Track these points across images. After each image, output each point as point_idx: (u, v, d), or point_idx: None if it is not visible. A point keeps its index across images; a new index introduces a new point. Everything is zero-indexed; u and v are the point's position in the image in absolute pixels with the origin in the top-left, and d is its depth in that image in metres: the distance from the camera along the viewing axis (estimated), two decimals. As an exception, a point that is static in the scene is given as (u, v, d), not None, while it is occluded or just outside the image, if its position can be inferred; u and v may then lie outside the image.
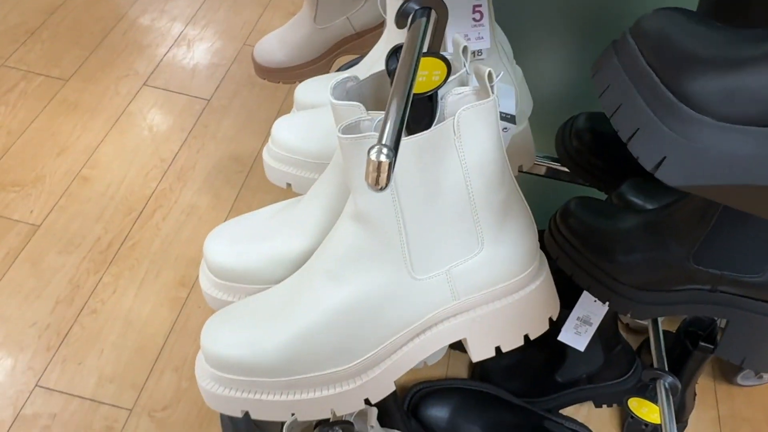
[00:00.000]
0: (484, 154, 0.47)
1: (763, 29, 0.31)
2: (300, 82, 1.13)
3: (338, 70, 1.06)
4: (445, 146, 0.47)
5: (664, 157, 0.30)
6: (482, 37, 0.57)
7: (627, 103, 0.32)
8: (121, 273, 1.15)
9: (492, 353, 0.53)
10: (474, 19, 0.56)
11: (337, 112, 0.50)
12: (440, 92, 0.48)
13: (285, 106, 1.46)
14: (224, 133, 1.41)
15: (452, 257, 0.50)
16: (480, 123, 0.46)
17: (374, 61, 0.71)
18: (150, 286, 1.14)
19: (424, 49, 0.45)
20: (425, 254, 0.49)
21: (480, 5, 0.56)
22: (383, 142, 0.31)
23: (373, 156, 0.31)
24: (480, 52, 0.58)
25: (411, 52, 0.41)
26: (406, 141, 0.46)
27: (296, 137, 0.68)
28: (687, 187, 0.30)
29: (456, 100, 0.48)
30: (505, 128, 0.53)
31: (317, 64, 1.09)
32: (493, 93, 0.46)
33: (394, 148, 0.31)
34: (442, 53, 0.46)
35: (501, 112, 0.53)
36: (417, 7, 0.43)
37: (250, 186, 1.31)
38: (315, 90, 0.77)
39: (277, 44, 1.10)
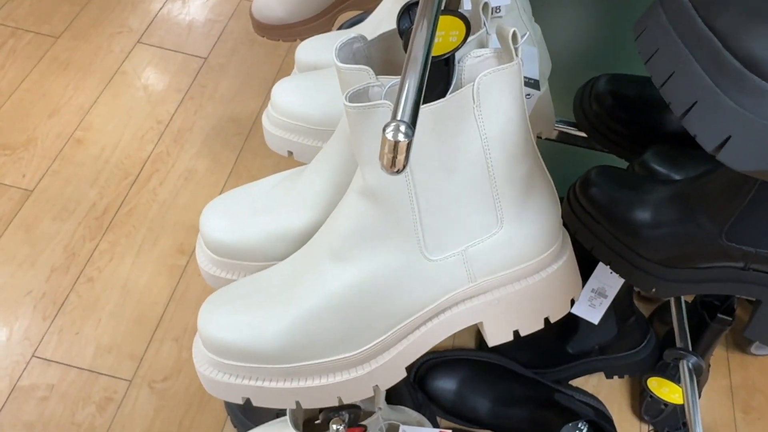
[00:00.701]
0: (507, 124, 0.43)
1: None
2: (301, 40, 1.08)
3: (340, 28, 1.00)
4: (464, 115, 0.42)
5: (729, 137, 0.25)
6: (500, -6, 0.52)
7: (681, 70, 0.28)
8: (117, 240, 1.12)
9: (510, 337, 0.50)
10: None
11: (342, 77, 0.46)
12: (458, 54, 0.43)
13: (286, 65, 1.40)
14: (222, 94, 1.35)
15: (469, 236, 0.46)
16: (502, 90, 0.42)
17: (381, 20, 0.65)
18: (148, 253, 1.11)
19: (442, 7, 0.40)
20: (440, 233, 0.45)
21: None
22: (399, 117, 0.27)
23: (389, 135, 0.26)
24: (498, 9, 0.52)
25: (428, 11, 0.36)
26: (420, 110, 0.41)
27: (298, 102, 0.64)
28: (757, 172, 0.26)
29: (475, 63, 0.44)
30: (528, 94, 0.48)
31: (319, 20, 1.04)
32: (517, 56, 0.42)
33: (413, 124, 0.27)
34: (459, 11, 0.41)
35: (525, 78, 0.49)
36: (434, -42, 0.38)
37: (250, 149, 1.27)
38: (318, 49, 0.72)
39: (275, 0, 1.04)
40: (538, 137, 0.66)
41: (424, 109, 0.41)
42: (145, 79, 1.36)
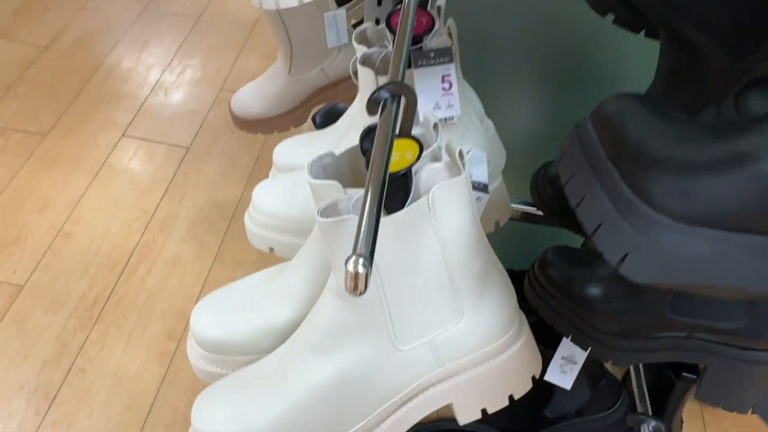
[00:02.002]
0: (460, 228, 0.49)
1: (714, 128, 0.33)
2: (278, 131, 1.15)
3: (312, 117, 1.08)
4: (421, 223, 0.48)
5: (627, 254, 0.31)
6: (452, 105, 0.59)
7: (590, 195, 0.34)
8: (107, 329, 1.15)
9: (478, 415, 0.54)
10: (443, 89, 0.58)
11: (314, 190, 0.52)
12: (414, 168, 0.50)
13: (264, 152, 1.48)
14: (205, 181, 1.42)
15: (435, 327, 0.51)
16: (453, 199, 0.48)
17: (349, 125, 0.72)
18: (137, 341, 1.14)
19: (396, 131, 0.46)
20: (408, 326, 0.50)
21: (449, 74, 0.58)
22: (359, 251, 0.32)
23: (350, 267, 0.32)
24: (451, 117, 0.59)
25: (384, 137, 0.42)
26: (383, 220, 0.47)
27: (277, 203, 0.70)
28: (653, 283, 0.32)
29: (429, 175, 0.50)
30: (479, 198, 0.54)
31: (294, 114, 1.11)
32: (464, 169, 0.48)
33: (370, 256, 0.32)
34: (413, 135, 0.48)
35: (473, 182, 0.55)
36: (387, 95, 0.44)
37: (233, 234, 1.32)
38: (293, 150, 0.78)
39: (252, 97, 1.12)
40: (496, 225, 0.72)
41: (387, 221, 0.47)
42: (130, 170, 1.43)
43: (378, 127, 0.45)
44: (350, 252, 0.33)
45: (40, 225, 1.30)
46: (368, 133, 0.50)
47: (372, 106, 0.45)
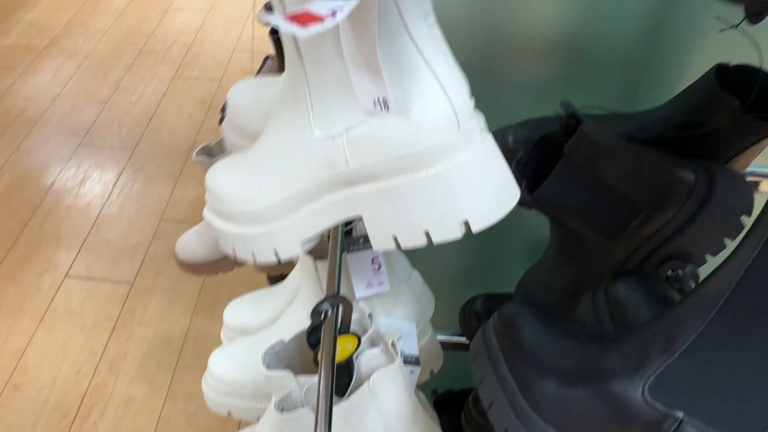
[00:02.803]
0: (399, 405, 0.57)
1: (589, 342, 0.43)
2: (223, 272, 1.22)
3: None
4: (365, 405, 0.56)
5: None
6: (382, 282, 0.68)
7: (497, 401, 0.43)
8: (62, 483, 1.16)
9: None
10: (374, 269, 0.67)
11: (270, 380, 0.59)
12: (354, 355, 0.58)
13: (208, 280, 1.53)
14: (151, 316, 1.46)
15: None
16: (390, 383, 0.56)
17: (297, 288, 0.80)
18: (94, 492, 1.15)
19: (338, 329, 0.55)
20: None
21: (377, 256, 0.67)
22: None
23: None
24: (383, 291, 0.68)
25: (329, 349, 0.51)
26: (334, 408, 0.55)
27: (233, 369, 0.76)
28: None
29: (368, 359, 0.58)
30: (412, 371, 0.63)
31: (237, 255, 1.18)
32: (398, 356, 0.57)
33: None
34: (352, 330, 0.56)
35: (406, 356, 0.64)
36: (329, 307, 0.53)
37: (183, 368, 1.36)
38: (243, 312, 0.85)
39: (197, 242, 1.19)
40: (432, 373, 0.80)
41: (337, 409, 0.55)
42: (76, 312, 1.45)
43: (323, 333, 0.53)
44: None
45: (-14, 379, 1.31)
46: (312, 330, 0.58)
47: (316, 316, 0.54)
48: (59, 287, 1.50)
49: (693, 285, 0.61)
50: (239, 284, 1.48)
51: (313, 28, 0.38)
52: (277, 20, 0.38)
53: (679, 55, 0.73)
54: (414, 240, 0.48)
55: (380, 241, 0.49)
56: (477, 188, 0.46)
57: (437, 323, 0.84)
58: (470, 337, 0.93)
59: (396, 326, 0.67)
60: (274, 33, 1.12)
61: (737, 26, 0.57)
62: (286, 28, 0.39)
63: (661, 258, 0.62)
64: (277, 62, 1.30)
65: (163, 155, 1.89)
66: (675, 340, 0.35)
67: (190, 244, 1.20)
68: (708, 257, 0.61)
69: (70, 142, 1.91)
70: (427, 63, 0.45)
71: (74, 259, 1.57)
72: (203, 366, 0.97)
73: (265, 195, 0.53)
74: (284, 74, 0.51)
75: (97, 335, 1.41)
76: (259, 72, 1.50)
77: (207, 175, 0.59)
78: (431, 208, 0.46)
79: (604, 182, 0.59)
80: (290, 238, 0.53)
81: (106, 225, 1.67)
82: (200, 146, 1.07)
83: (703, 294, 0.36)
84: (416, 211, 0.47)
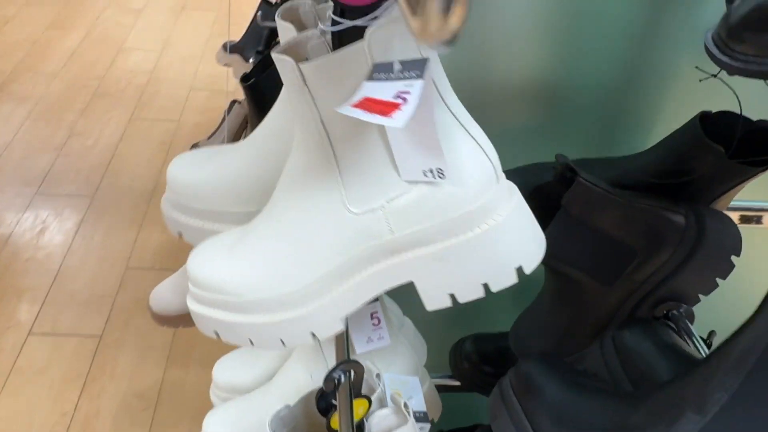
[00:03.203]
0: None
1: (617, 400, 0.44)
2: (200, 323, 1.19)
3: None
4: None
5: None
6: (382, 337, 0.68)
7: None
8: None
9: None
10: (373, 324, 0.67)
11: (279, 448, 0.58)
12: (365, 417, 0.58)
13: (180, 329, 1.49)
14: (123, 370, 1.41)
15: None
16: (405, 443, 0.56)
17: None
18: None
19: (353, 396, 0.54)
20: None
21: (376, 311, 0.67)
22: None
23: None
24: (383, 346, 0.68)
25: (345, 415, 0.50)
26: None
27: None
28: None
29: (379, 421, 0.58)
30: (422, 427, 0.62)
31: (214, 305, 1.16)
32: (409, 416, 0.56)
33: None
34: (363, 394, 0.56)
35: (415, 413, 0.63)
36: (341, 373, 0.53)
37: (159, 422, 1.31)
38: (233, 370, 0.84)
39: (171, 293, 1.16)
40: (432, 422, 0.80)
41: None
42: (43, 371, 1.39)
43: (339, 401, 0.53)
44: None
45: (-52, 449, 1.24)
46: (321, 395, 0.57)
47: (329, 383, 0.54)
48: (23, 346, 1.44)
49: (690, 324, 0.63)
50: (212, 331, 1.44)
51: (399, 115, 0.37)
52: (349, 110, 0.38)
53: (651, 103, 0.76)
54: (472, 294, 0.49)
55: (436, 300, 0.50)
56: (524, 234, 0.49)
57: (426, 365, 0.84)
58: (462, 379, 0.93)
59: (399, 381, 0.66)
60: (246, 80, 1.12)
61: (716, 75, 0.60)
62: (367, 118, 0.38)
63: (656, 300, 0.63)
64: (246, 108, 1.29)
65: (125, 200, 1.84)
66: (707, 400, 0.36)
67: (165, 295, 1.17)
68: (701, 297, 0.64)
69: (25, 191, 1.85)
70: (464, 127, 0.46)
71: (37, 315, 1.51)
72: (180, 420, 0.94)
73: (296, 279, 0.50)
74: (298, 153, 0.49)
75: (66, 394, 1.35)
76: (225, 117, 1.49)
77: (193, 264, 0.54)
78: (487, 261, 0.48)
79: (600, 230, 0.61)
80: (330, 316, 0.51)
81: (70, 276, 1.61)
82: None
83: (730, 352, 0.37)
84: (473, 266, 0.48)
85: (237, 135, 1.40)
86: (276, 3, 1.63)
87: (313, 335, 0.51)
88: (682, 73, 0.74)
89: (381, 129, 0.45)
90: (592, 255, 0.62)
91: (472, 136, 0.48)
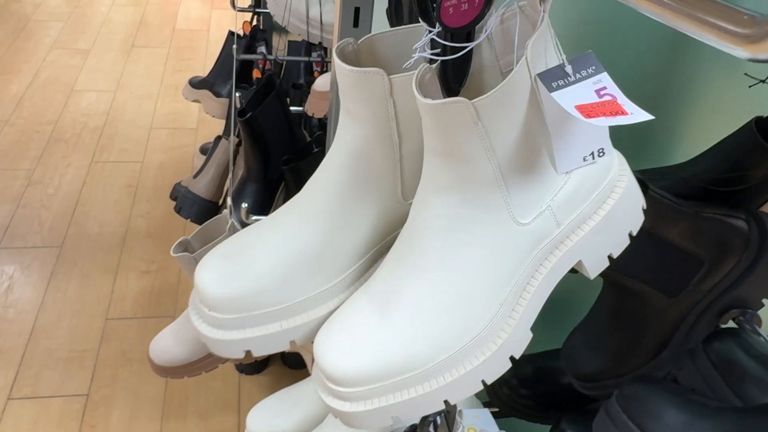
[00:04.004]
0: None
1: (736, 416, 0.42)
2: (206, 372, 1.13)
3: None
4: None
5: None
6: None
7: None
8: None
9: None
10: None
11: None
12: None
13: (169, 379, 1.42)
14: (116, 428, 1.33)
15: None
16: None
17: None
18: None
19: None
20: None
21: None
22: None
23: None
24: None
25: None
26: None
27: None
28: None
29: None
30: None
31: (221, 350, 1.10)
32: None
33: None
34: (455, 434, 0.53)
35: None
36: (437, 416, 0.50)
37: (163, 481, 1.24)
38: (269, 417, 0.79)
39: (174, 342, 1.10)
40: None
41: None
42: (28, 439, 1.30)
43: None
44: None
45: None
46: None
47: (426, 426, 0.51)
48: (3, 413, 1.34)
49: (758, 328, 0.62)
50: (206, 376, 1.38)
51: (633, 109, 0.38)
52: (598, 121, 0.38)
53: (679, 112, 0.77)
54: (622, 246, 0.54)
55: (598, 266, 0.53)
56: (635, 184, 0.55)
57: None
58: (501, 404, 0.91)
59: (472, 416, 0.63)
60: (242, 115, 1.08)
61: (765, 81, 0.61)
62: (613, 122, 0.38)
63: (721, 309, 0.63)
64: (234, 144, 1.25)
65: (96, 248, 1.76)
66: None
67: (167, 345, 1.11)
68: (765, 302, 0.63)
69: (-14, 246, 1.74)
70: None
71: (14, 379, 1.41)
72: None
73: (476, 318, 0.47)
74: (450, 197, 0.47)
75: (57, 461, 1.26)
76: (211, 154, 1.44)
77: (332, 367, 0.47)
78: (629, 213, 0.54)
79: (668, 241, 0.60)
80: (522, 332, 0.49)
81: (46, 334, 1.51)
82: (177, 242, 1.00)
83: None
84: (622, 223, 0.54)
85: (225, 171, 1.36)
86: (246, 35, 1.60)
87: (512, 359, 0.50)
88: (710, 81, 0.75)
89: (542, 136, 0.46)
90: (659, 267, 0.61)
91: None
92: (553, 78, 0.40)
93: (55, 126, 2.25)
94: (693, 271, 0.61)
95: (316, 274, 0.52)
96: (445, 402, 0.47)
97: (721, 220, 0.60)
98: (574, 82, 0.40)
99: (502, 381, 0.89)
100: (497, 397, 0.90)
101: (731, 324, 0.63)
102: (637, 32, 0.74)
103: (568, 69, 0.40)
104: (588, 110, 0.38)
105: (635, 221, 0.55)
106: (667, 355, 0.66)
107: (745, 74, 0.61)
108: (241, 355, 0.51)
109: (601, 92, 0.38)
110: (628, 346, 0.68)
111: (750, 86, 0.60)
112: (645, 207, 0.55)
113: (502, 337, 0.48)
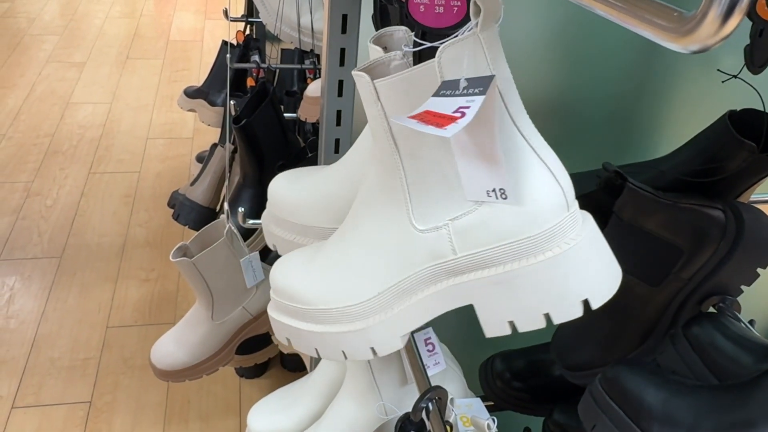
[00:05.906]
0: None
1: (723, 395, 0.45)
2: (207, 374, 1.15)
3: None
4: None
5: None
6: (438, 362, 0.67)
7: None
8: None
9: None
10: (428, 350, 0.67)
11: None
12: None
13: (173, 384, 1.44)
14: (119, 434, 1.34)
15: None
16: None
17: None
18: None
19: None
20: None
21: (429, 337, 0.67)
22: None
23: None
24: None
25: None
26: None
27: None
28: None
29: (460, 447, 0.57)
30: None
31: (220, 354, 1.13)
32: (492, 435, 0.56)
33: None
34: (446, 420, 0.55)
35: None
36: (429, 402, 0.52)
37: (167, 485, 1.26)
38: (270, 414, 0.81)
39: (175, 346, 1.12)
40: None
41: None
42: (32, 447, 1.31)
43: (433, 428, 0.52)
44: None
45: None
46: (403, 426, 0.56)
47: (418, 413, 0.53)
48: (7, 422, 1.35)
49: (738, 314, 0.65)
50: (206, 381, 1.40)
51: (452, 128, 0.38)
52: (404, 121, 0.38)
53: (659, 109, 0.80)
54: (533, 323, 0.47)
55: (494, 327, 0.48)
56: (593, 266, 0.47)
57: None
58: (495, 398, 0.93)
59: (464, 405, 0.66)
60: (237, 122, 1.10)
61: (736, 76, 0.63)
62: (421, 128, 0.39)
63: (702, 295, 0.65)
64: (230, 151, 1.27)
65: (95, 258, 1.78)
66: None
67: (169, 350, 1.13)
68: (743, 288, 0.66)
69: (-14, 259, 1.76)
70: (534, 150, 0.46)
71: (18, 388, 1.42)
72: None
73: (359, 291, 0.51)
74: (374, 168, 0.50)
75: (62, 467, 1.28)
76: (207, 162, 1.46)
77: (275, 274, 0.57)
78: (551, 290, 0.46)
79: (648, 232, 0.62)
80: (389, 333, 0.52)
81: (48, 343, 1.53)
82: (175, 248, 1.02)
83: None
84: (535, 294, 0.46)
85: (222, 177, 1.38)
86: (239, 44, 1.62)
87: (373, 351, 0.52)
88: (686, 77, 0.78)
89: (448, 147, 0.45)
90: (640, 257, 0.64)
91: (543, 161, 0.47)
92: (448, 87, 0.41)
93: (52, 138, 2.27)
94: (673, 260, 0.64)
95: None
96: (316, 350, 0.54)
97: (699, 210, 0.62)
98: (454, 95, 0.40)
99: (495, 375, 0.92)
100: (491, 390, 0.92)
101: (712, 310, 0.66)
102: (618, 32, 0.77)
103: (462, 83, 0.41)
104: (426, 117, 0.40)
105: (555, 305, 0.46)
106: (652, 342, 0.68)
107: (718, 70, 0.64)
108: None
109: (461, 109, 0.39)
110: (615, 335, 0.71)
111: (723, 81, 0.63)
112: (591, 303, 0.46)
113: (368, 324, 0.52)
